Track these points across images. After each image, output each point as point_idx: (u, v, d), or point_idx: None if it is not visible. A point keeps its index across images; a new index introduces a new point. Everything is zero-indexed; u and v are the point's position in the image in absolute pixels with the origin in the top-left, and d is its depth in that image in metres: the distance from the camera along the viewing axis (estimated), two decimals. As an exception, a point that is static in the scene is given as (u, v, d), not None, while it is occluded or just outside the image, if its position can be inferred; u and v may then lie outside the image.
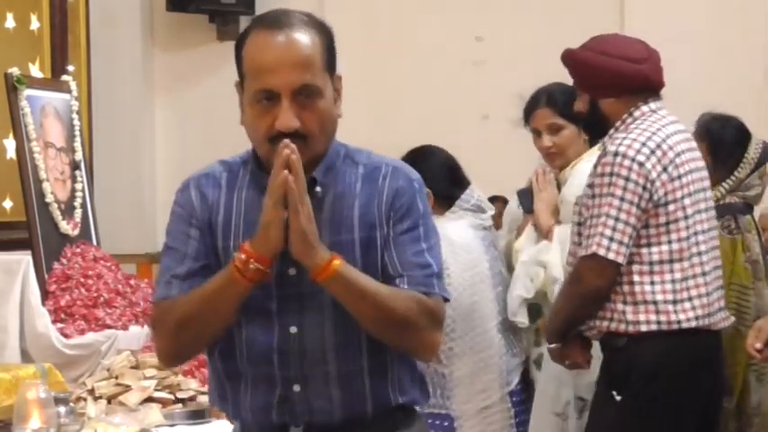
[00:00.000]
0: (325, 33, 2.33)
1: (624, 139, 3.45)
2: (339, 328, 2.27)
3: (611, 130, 3.53)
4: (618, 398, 3.44)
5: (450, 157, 4.18)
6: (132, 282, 4.30)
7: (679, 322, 3.44)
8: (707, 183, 3.59)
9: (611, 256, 3.37)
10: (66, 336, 3.84)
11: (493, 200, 6.81)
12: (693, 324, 3.46)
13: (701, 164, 3.59)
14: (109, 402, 3.44)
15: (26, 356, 3.80)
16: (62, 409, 3.23)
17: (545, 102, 4.06)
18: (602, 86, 3.56)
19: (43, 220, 4.12)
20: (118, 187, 7.64)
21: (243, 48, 2.29)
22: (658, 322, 3.43)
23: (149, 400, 3.44)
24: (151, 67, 8.23)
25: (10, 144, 4.69)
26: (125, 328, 3.97)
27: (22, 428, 3.09)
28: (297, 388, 2.28)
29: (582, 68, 3.60)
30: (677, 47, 7.19)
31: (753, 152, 4.06)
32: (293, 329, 2.27)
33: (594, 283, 3.41)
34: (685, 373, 3.48)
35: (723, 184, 4.02)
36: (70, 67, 5.26)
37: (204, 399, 3.50)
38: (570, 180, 3.95)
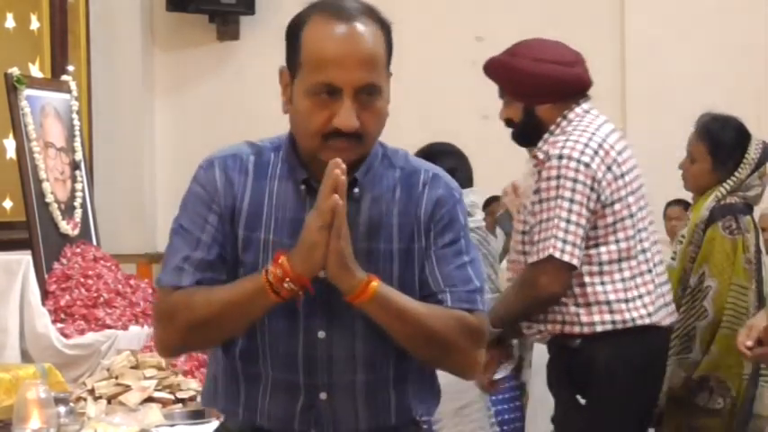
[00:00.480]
0: (386, 29, 2.20)
1: (566, 141, 3.45)
2: (369, 335, 2.16)
3: (546, 135, 3.52)
4: (582, 401, 3.44)
5: (462, 159, 4.17)
6: (132, 282, 4.30)
7: (633, 320, 3.46)
8: (642, 179, 3.62)
9: (566, 258, 3.36)
10: (66, 336, 3.84)
11: (492, 200, 6.83)
12: (647, 321, 3.49)
13: (635, 161, 3.62)
14: (109, 402, 3.44)
15: (26, 356, 3.80)
16: (62, 409, 3.23)
17: None
18: (539, 93, 3.54)
19: (43, 220, 4.12)
20: (118, 187, 7.64)
21: (301, 33, 2.15)
22: (613, 322, 3.45)
23: (149, 400, 3.44)
24: (151, 67, 8.23)
25: (10, 144, 4.69)
26: (125, 328, 3.97)
27: (22, 428, 3.08)
28: (323, 396, 2.17)
29: (516, 77, 3.56)
30: (677, 47, 7.20)
31: (753, 152, 4.06)
32: (321, 334, 2.16)
33: (550, 288, 3.39)
34: (642, 370, 3.51)
35: (723, 184, 4.02)
36: (70, 67, 5.26)
37: (204, 399, 3.50)
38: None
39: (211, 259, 2.19)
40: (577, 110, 3.55)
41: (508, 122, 3.63)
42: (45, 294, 3.95)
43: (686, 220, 4.17)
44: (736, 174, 4.00)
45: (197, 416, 3.45)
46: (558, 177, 3.39)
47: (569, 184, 3.39)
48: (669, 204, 6.72)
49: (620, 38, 7.53)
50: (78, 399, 3.47)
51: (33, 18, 5.28)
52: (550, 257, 3.35)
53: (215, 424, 3.45)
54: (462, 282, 2.20)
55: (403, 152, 2.28)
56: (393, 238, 2.18)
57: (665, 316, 3.58)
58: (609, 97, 7.33)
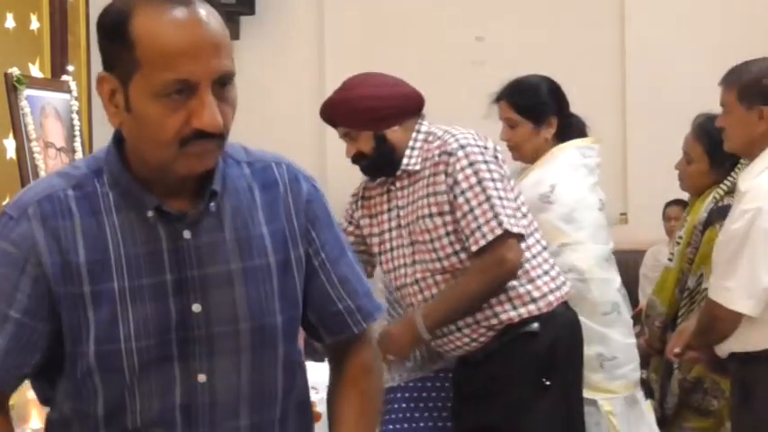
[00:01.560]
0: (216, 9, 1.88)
1: (452, 136, 3.51)
2: (257, 373, 1.91)
3: (408, 151, 3.56)
4: (548, 383, 3.47)
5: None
6: (132, 282, 4.30)
7: (565, 284, 3.58)
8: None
9: (516, 230, 3.42)
10: (66, 336, 3.83)
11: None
12: (568, 288, 3.61)
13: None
14: (109, 402, 3.44)
15: (26, 356, 3.80)
16: (62, 409, 3.23)
17: (506, 95, 4.08)
18: (388, 116, 3.57)
19: (43, 220, 4.11)
20: (118, 187, 7.63)
21: (129, 27, 1.79)
22: (558, 288, 3.54)
23: (149, 400, 3.44)
24: (151, 67, 8.22)
25: (10, 144, 4.69)
26: (125, 328, 3.97)
27: (22, 428, 3.08)
28: None
29: (360, 107, 3.57)
30: (677, 47, 7.21)
31: None
32: (202, 378, 1.87)
33: (516, 260, 3.43)
34: (580, 340, 3.64)
35: (721, 185, 4.02)
36: (70, 67, 5.25)
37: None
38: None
39: (17, 346, 1.83)
40: (425, 123, 3.62)
41: (358, 157, 3.63)
42: (45, 294, 3.94)
43: (683, 221, 4.17)
44: (733, 174, 4.00)
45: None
46: (471, 164, 3.44)
47: (483, 166, 3.44)
48: (669, 204, 6.73)
49: (620, 38, 7.53)
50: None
51: (33, 18, 5.27)
52: (505, 232, 3.39)
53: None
54: (359, 282, 2.04)
55: (236, 143, 2.04)
56: (267, 250, 1.92)
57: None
58: (609, 97, 7.34)
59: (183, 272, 1.85)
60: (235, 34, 8.14)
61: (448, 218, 3.48)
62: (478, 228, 3.42)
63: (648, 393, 4.27)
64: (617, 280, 4.05)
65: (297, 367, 2.02)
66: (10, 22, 5.17)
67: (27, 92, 4.18)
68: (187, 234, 1.86)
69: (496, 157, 3.52)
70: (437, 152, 3.51)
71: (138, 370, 1.83)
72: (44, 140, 4.20)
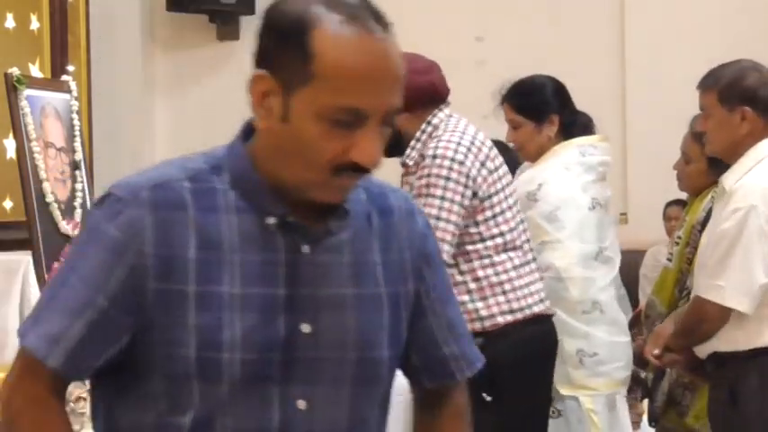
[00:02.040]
0: None
1: (439, 142, 3.52)
2: (357, 407, 1.78)
3: (413, 142, 3.59)
4: (488, 398, 3.46)
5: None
6: (132, 282, 4.30)
7: (529, 306, 3.56)
8: (510, 176, 3.72)
9: None
10: (66, 336, 3.83)
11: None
12: (539, 308, 3.59)
13: (502, 159, 3.70)
14: (109, 402, 3.44)
15: (26, 356, 3.80)
16: (62, 409, 3.23)
17: (507, 97, 4.14)
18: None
19: (43, 220, 4.11)
20: (118, 187, 7.63)
21: (310, 37, 1.65)
22: (511, 311, 3.52)
23: (149, 400, 3.44)
24: (151, 67, 8.23)
25: (10, 144, 4.69)
26: (125, 328, 3.97)
27: (22, 428, 3.08)
28: None
29: None
30: (677, 47, 7.20)
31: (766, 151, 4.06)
32: (301, 404, 1.73)
33: None
34: (544, 359, 3.64)
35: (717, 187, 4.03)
36: (70, 67, 5.25)
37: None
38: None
39: (99, 335, 1.70)
40: (440, 115, 3.64)
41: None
42: (45, 294, 3.95)
43: (682, 221, 4.18)
44: None
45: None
46: (429, 176, 3.46)
47: (441, 182, 3.45)
48: (669, 204, 6.72)
49: (620, 38, 7.53)
50: (78, 399, 3.47)
51: (33, 18, 5.28)
52: None
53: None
54: (463, 326, 1.95)
55: None
56: (379, 280, 1.80)
57: (549, 306, 3.69)
58: (609, 97, 7.34)
59: (297, 288, 1.72)
60: (235, 34, 8.14)
61: None
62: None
63: (646, 393, 4.28)
64: (604, 279, 4.06)
65: (388, 406, 1.88)
66: (10, 22, 5.18)
67: (27, 92, 4.18)
68: (306, 249, 1.73)
69: (484, 171, 3.53)
70: (424, 150, 3.56)
71: (237, 384, 1.69)
72: (44, 140, 4.20)
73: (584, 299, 3.96)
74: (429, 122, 3.61)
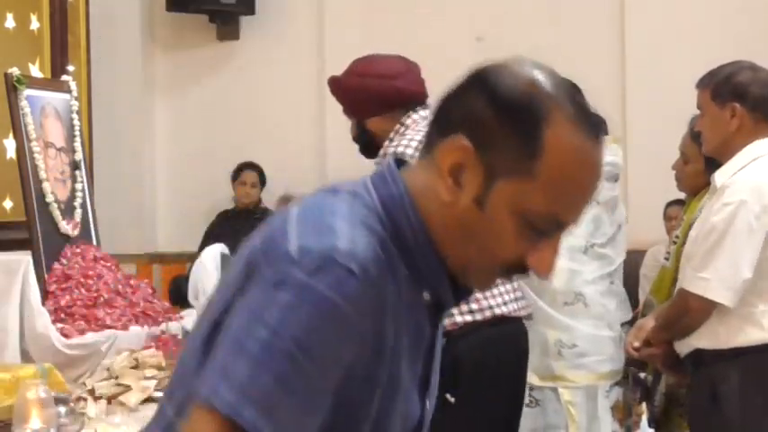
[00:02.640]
0: None
1: (401, 140, 3.59)
2: None
3: (386, 143, 3.65)
4: (452, 399, 3.44)
5: None
6: (132, 282, 4.30)
7: (491, 308, 3.54)
8: None
9: None
10: (66, 336, 3.84)
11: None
12: (504, 310, 3.57)
13: None
14: (109, 402, 3.44)
15: (26, 356, 3.80)
16: (62, 409, 3.23)
17: None
18: (363, 107, 3.72)
19: (43, 220, 4.12)
20: (118, 187, 7.64)
21: (542, 134, 1.50)
22: (471, 311, 3.51)
23: (149, 400, 3.44)
24: (151, 67, 8.23)
25: (10, 144, 4.69)
26: (125, 328, 3.97)
27: (22, 428, 3.08)
28: None
29: (344, 94, 3.78)
30: (677, 47, 7.21)
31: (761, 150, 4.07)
32: None
33: None
34: (509, 360, 3.62)
35: None
36: (70, 67, 5.26)
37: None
38: None
39: (311, 419, 1.46)
40: (414, 116, 3.67)
41: (353, 139, 3.81)
42: (45, 294, 3.95)
43: (680, 221, 4.19)
44: None
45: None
46: None
47: None
48: (669, 204, 6.73)
49: (620, 38, 7.53)
50: (78, 399, 3.47)
51: (33, 18, 5.28)
52: None
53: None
54: None
55: None
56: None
57: (520, 308, 3.67)
58: (609, 97, 7.33)
59: (428, 368, 1.63)
60: (235, 34, 8.14)
61: None
62: None
63: (646, 395, 4.27)
64: (593, 273, 4.09)
65: None
66: (10, 22, 5.18)
67: (27, 92, 4.18)
68: (439, 326, 1.63)
69: None
70: (388, 149, 3.61)
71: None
72: (44, 140, 4.20)
73: (567, 290, 3.99)
74: (402, 123, 3.67)
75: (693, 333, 3.50)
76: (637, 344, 3.65)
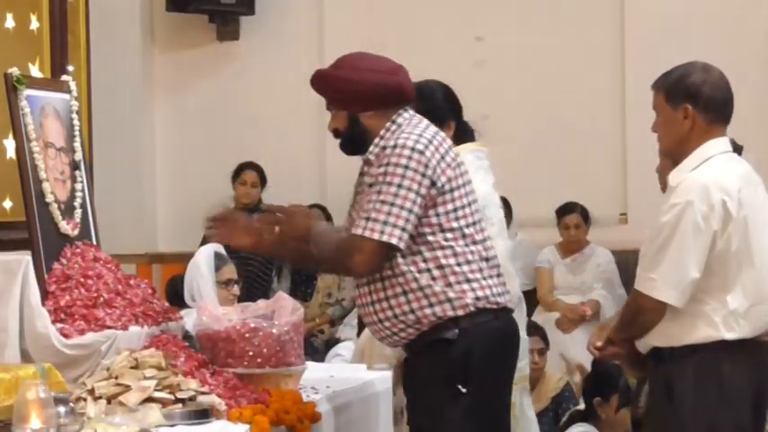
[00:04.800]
0: None
1: (401, 134, 3.62)
2: None
3: (377, 140, 3.67)
4: (464, 390, 3.55)
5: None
6: (132, 282, 4.30)
7: (494, 296, 3.64)
8: (471, 179, 3.76)
9: (385, 238, 3.53)
10: (66, 336, 3.83)
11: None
12: (503, 300, 3.67)
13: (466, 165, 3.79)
14: (109, 402, 3.44)
15: (26, 356, 3.80)
16: (62, 409, 3.23)
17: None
18: (362, 100, 3.70)
19: (43, 220, 4.11)
20: (118, 187, 7.65)
21: None
22: (477, 298, 3.59)
23: (149, 400, 3.44)
24: (151, 67, 8.24)
25: (10, 144, 4.69)
26: (125, 328, 3.96)
27: (22, 428, 3.08)
28: None
29: (339, 86, 3.74)
30: (676, 47, 7.20)
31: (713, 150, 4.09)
32: None
33: (361, 263, 3.58)
34: (510, 350, 3.73)
35: None
36: (70, 67, 5.25)
37: (204, 399, 3.49)
38: None
39: None
40: (405, 115, 3.71)
41: (335, 133, 3.77)
42: (45, 294, 3.94)
43: None
44: None
45: (197, 416, 3.45)
46: (388, 164, 3.56)
47: (400, 170, 3.55)
48: None
49: (620, 38, 7.53)
50: (78, 399, 3.47)
51: (33, 18, 5.27)
52: (363, 237, 3.53)
53: (215, 424, 3.46)
54: None
55: None
56: None
57: (509, 300, 3.75)
58: (609, 97, 7.34)
59: None
60: (235, 34, 8.15)
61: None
62: (360, 219, 3.58)
63: (627, 400, 4.29)
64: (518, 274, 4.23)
65: None
66: (10, 22, 5.18)
67: (27, 92, 4.17)
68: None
69: (443, 164, 3.62)
70: (387, 144, 3.63)
71: None
72: (44, 140, 4.20)
73: (514, 293, 4.05)
74: (394, 121, 3.69)
75: (650, 332, 3.55)
76: (599, 343, 3.70)
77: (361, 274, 3.66)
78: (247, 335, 3.88)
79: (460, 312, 3.57)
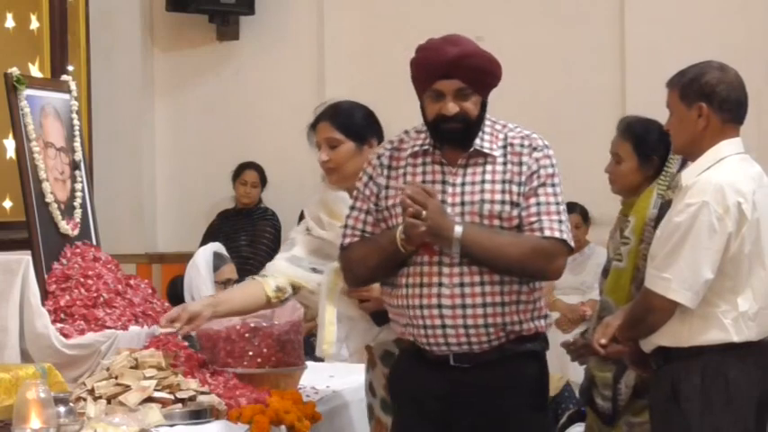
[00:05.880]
0: None
1: (522, 130, 3.55)
2: None
3: (480, 132, 3.49)
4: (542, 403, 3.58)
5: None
6: (132, 282, 4.30)
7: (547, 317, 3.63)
8: None
9: (571, 244, 3.51)
10: (66, 336, 3.83)
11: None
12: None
13: None
14: (109, 402, 3.44)
15: (26, 356, 3.80)
16: (62, 409, 3.23)
17: (328, 116, 3.96)
18: (492, 87, 3.55)
19: (43, 220, 4.11)
20: (118, 187, 7.65)
21: None
22: (545, 317, 3.58)
23: (149, 400, 3.44)
24: (151, 67, 8.24)
25: (10, 144, 4.69)
26: (125, 328, 3.97)
27: (22, 428, 3.09)
28: None
29: (493, 69, 3.54)
30: (677, 47, 7.20)
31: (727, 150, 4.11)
32: None
33: (560, 268, 3.54)
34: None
35: (659, 181, 4.14)
36: (70, 67, 5.26)
37: (204, 399, 3.49)
38: None
39: None
40: None
41: (459, 117, 3.44)
42: (45, 294, 3.94)
43: (621, 223, 4.24)
44: (665, 169, 4.13)
45: (197, 416, 3.45)
46: (552, 166, 3.52)
47: (558, 170, 3.52)
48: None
49: (620, 38, 7.53)
50: (78, 399, 3.47)
51: (33, 18, 5.28)
52: (562, 241, 3.45)
53: (215, 424, 3.46)
54: None
55: None
56: None
57: None
58: (609, 97, 7.34)
59: None
60: (235, 34, 8.14)
61: (521, 211, 3.46)
62: (551, 221, 3.45)
63: (588, 399, 4.29)
64: None
65: None
66: (10, 22, 5.18)
67: (27, 92, 4.17)
68: None
69: None
70: (517, 141, 3.49)
71: None
72: (44, 140, 4.20)
73: None
74: (485, 110, 3.53)
75: (657, 331, 3.54)
76: (604, 341, 3.69)
77: (554, 279, 3.56)
78: (247, 335, 3.88)
79: (544, 330, 3.56)
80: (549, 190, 3.47)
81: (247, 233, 7.84)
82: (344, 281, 3.66)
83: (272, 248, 7.89)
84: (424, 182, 3.47)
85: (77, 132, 4.47)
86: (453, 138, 3.47)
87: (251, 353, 3.86)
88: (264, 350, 3.86)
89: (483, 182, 3.46)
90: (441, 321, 3.41)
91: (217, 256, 4.92)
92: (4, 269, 3.86)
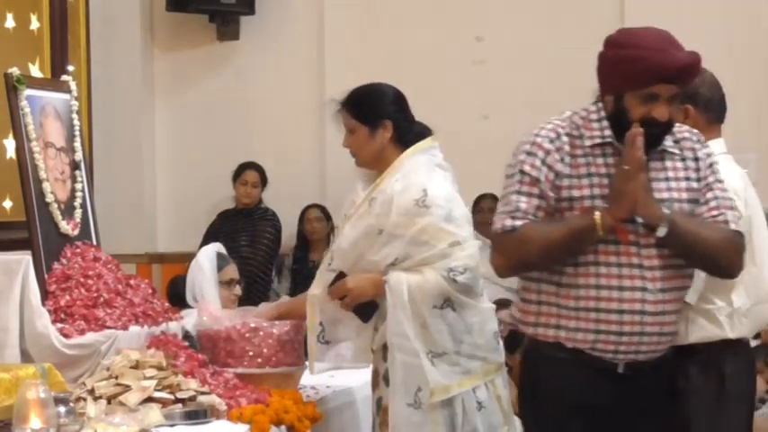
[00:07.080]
0: None
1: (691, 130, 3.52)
2: None
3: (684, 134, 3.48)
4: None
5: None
6: (132, 282, 4.30)
7: None
8: None
9: None
10: (66, 336, 3.83)
11: (490, 198, 6.87)
12: None
13: None
14: (109, 402, 3.44)
15: (26, 356, 3.80)
16: (62, 409, 3.23)
17: (344, 102, 4.06)
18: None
19: (43, 220, 4.11)
20: (118, 187, 7.65)
21: None
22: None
23: (149, 400, 3.44)
24: (151, 66, 8.24)
25: (10, 144, 4.69)
26: (125, 328, 3.97)
27: (22, 428, 3.08)
28: None
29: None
30: (677, 47, 7.21)
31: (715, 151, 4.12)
32: None
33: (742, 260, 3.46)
34: None
35: None
36: (70, 67, 5.26)
37: (204, 399, 3.50)
38: None
39: None
40: None
41: (667, 125, 3.38)
42: (45, 294, 3.94)
43: None
44: None
45: (197, 416, 3.45)
46: (714, 155, 3.47)
47: None
48: (481, 197, 6.92)
49: (620, 38, 7.53)
50: (78, 399, 3.47)
51: (33, 18, 5.28)
52: (742, 236, 3.40)
53: (215, 424, 3.46)
54: None
55: None
56: None
57: None
58: (609, 97, 7.34)
59: None
60: (235, 34, 8.14)
61: (701, 207, 3.41)
62: (732, 215, 3.40)
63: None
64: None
65: None
66: (10, 22, 5.18)
67: (27, 92, 4.17)
68: None
69: None
70: (686, 135, 3.45)
71: None
72: (44, 140, 4.20)
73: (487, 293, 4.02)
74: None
75: None
76: None
77: (735, 276, 3.43)
78: (247, 335, 3.88)
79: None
80: (720, 185, 3.42)
81: (248, 233, 7.84)
82: (497, 266, 3.43)
83: (273, 248, 7.89)
84: (607, 175, 3.36)
85: (77, 132, 4.47)
86: (656, 142, 3.39)
87: (251, 353, 3.87)
88: (264, 350, 3.87)
89: (667, 179, 3.41)
90: (640, 328, 3.31)
91: (219, 256, 4.92)
92: (4, 269, 3.86)
